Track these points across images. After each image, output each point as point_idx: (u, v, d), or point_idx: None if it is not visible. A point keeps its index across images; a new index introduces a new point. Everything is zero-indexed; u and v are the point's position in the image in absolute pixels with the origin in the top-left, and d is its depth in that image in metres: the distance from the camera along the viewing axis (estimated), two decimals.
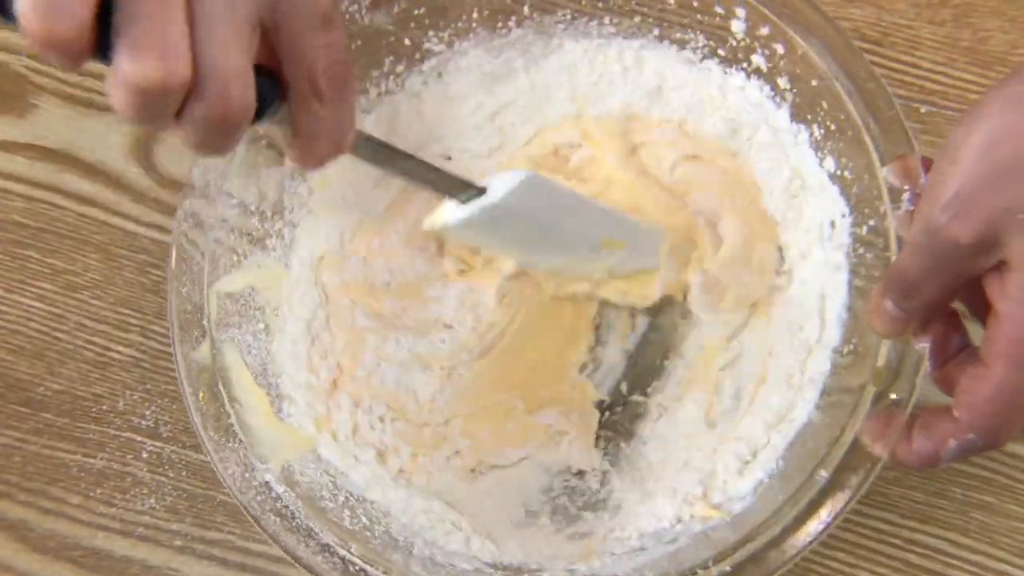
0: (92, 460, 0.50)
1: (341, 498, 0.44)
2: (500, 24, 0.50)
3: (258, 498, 0.42)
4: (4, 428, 0.51)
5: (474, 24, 0.49)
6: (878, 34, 0.53)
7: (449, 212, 0.42)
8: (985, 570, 0.47)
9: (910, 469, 0.37)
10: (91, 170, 0.54)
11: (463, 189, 0.41)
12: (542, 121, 0.51)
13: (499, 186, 0.41)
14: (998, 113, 0.31)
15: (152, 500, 0.50)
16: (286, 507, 0.42)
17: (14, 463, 0.51)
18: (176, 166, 0.54)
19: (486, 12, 0.49)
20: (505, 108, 0.51)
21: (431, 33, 0.49)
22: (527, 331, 0.49)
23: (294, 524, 0.41)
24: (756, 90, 0.48)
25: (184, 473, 0.50)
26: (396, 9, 0.48)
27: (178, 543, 0.49)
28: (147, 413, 0.51)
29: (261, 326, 0.47)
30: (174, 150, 0.54)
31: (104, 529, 0.50)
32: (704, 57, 0.49)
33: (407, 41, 0.49)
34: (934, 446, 0.35)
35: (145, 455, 0.51)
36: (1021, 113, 0.31)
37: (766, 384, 0.46)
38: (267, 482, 0.42)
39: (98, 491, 0.50)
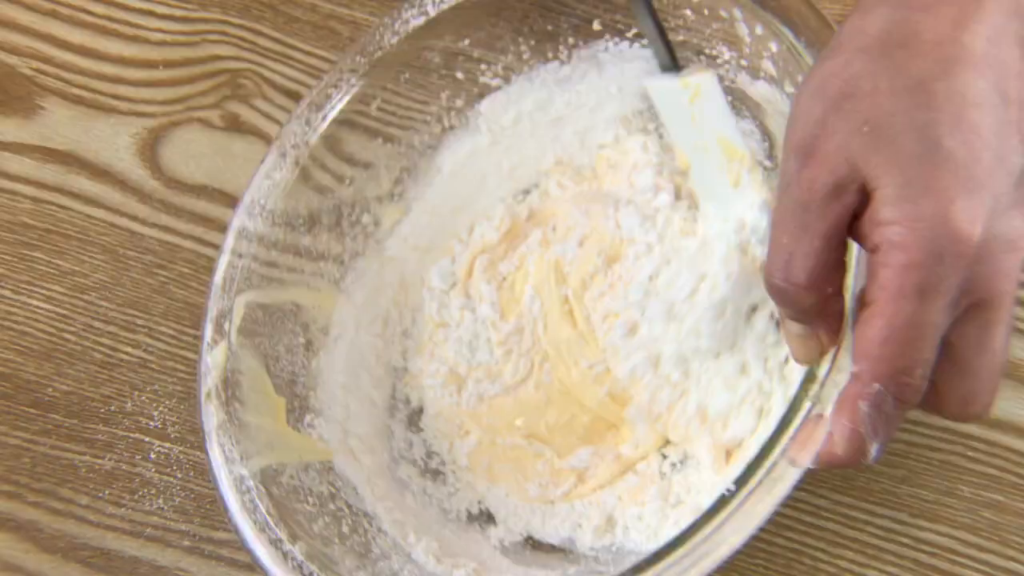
0: (101, 461, 0.51)
1: (331, 507, 0.45)
2: (551, 55, 0.49)
3: (233, 488, 0.43)
4: (13, 429, 0.51)
5: (524, 55, 0.49)
6: None
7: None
8: (995, 568, 0.47)
9: (843, 465, 0.33)
10: (97, 171, 0.54)
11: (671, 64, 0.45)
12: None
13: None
14: (820, 65, 0.32)
15: (160, 500, 0.50)
16: (252, 500, 0.43)
17: (23, 464, 0.51)
18: (183, 167, 0.54)
19: (532, 42, 0.49)
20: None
21: (483, 66, 0.49)
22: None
23: (256, 519, 0.42)
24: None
25: (192, 474, 0.50)
26: (440, 43, 0.48)
27: (187, 543, 0.50)
28: (155, 414, 0.51)
29: (301, 340, 0.48)
30: (179, 151, 0.54)
31: (113, 530, 0.50)
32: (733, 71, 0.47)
33: (459, 75, 0.49)
34: (849, 419, 0.31)
35: (153, 456, 0.51)
36: (836, 58, 0.32)
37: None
38: (242, 475, 0.43)
39: (107, 492, 0.50)
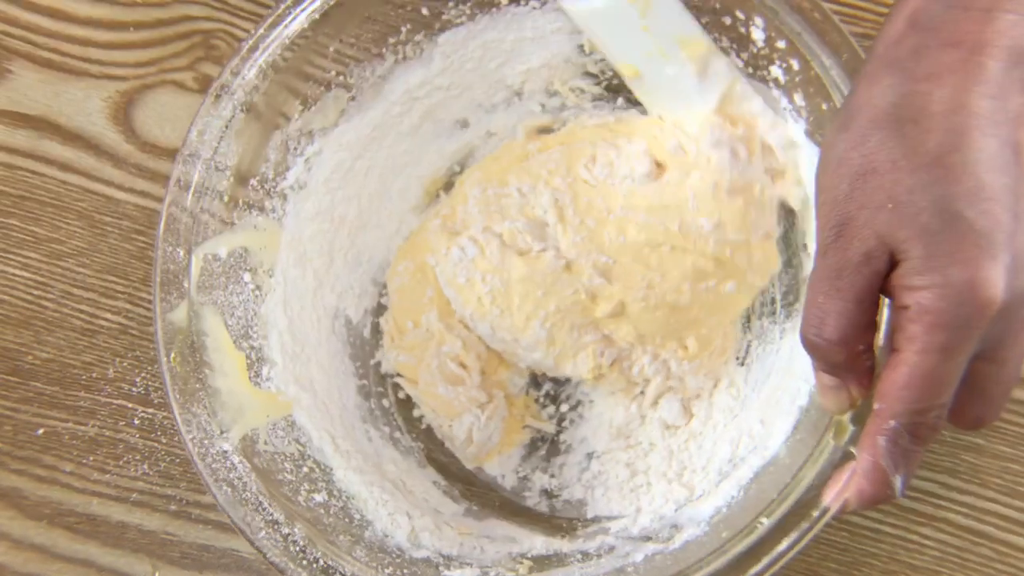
0: (84, 428, 0.50)
1: (304, 469, 0.45)
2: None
3: (213, 465, 0.42)
4: None
5: None
6: None
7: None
8: (974, 509, 0.48)
9: (872, 499, 0.36)
10: (70, 136, 0.53)
11: None
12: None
13: None
14: (836, 138, 0.35)
15: (145, 466, 0.50)
16: (239, 478, 0.42)
17: (5, 432, 0.50)
18: (157, 131, 0.53)
19: None
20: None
21: (451, 4, 0.48)
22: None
23: (244, 496, 0.42)
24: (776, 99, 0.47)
25: (176, 439, 0.50)
26: None
27: (173, 508, 0.50)
28: (137, 380, 0.51)
29: (251, 287, 0.47)
30: (153, 114, 0.53)
31: (98, 495, 0.50)
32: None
33: (424, 11, 0.48)
34: (869, 453, 0.35)
35: (137, 422, 0.50)
36: (849, 130, 0.34)
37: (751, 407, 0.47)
38: (224, 451, 0.43)
39: (91, 458, 0.50)
